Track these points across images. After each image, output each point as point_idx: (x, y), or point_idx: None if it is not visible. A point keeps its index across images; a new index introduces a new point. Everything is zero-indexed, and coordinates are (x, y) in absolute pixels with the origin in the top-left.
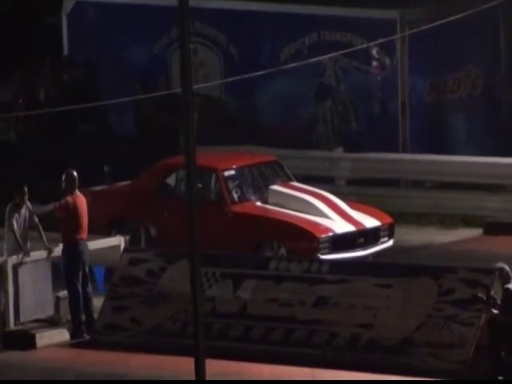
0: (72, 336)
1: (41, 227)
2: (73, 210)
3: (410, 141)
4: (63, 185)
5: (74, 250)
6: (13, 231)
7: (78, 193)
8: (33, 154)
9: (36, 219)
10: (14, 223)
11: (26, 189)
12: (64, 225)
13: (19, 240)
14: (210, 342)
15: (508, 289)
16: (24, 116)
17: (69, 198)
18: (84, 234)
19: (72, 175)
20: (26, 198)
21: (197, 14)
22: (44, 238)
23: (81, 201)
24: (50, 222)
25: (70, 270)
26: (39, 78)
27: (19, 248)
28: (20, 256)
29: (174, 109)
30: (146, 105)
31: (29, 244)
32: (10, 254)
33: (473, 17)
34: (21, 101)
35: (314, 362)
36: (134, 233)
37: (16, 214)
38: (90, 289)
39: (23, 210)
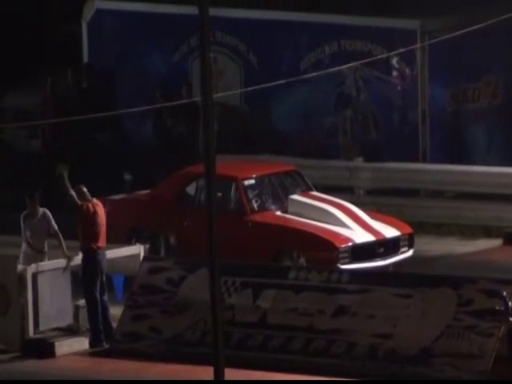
0: (91, 345)
1: (60, 235)
2: (91, 217)
3: (430, 151)
4: (76, 198)
5: (92, 259)
6: (25, 240)
7: (95, 201)
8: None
9: (55, 227)
10: (27, 232)
11: (37, 196)
12: (82, 233)
13: (32, 249)
14: (229, 352)
15: None
16: (51, 125)
17: (89, 204)
18: (102, 243)
19: (81, 190)
20: (38, 205)
21: (217, 22)
22: (64, 246)
23: (99, 209)
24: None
25: (88, 279)
26: (61, 86)
27: (33, 257)
28: (36, 265)
29: (194, 118)
30: (166, 113)
31: (46, 252)
32: (23, 264)
33: (493, 26)
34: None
35: (333, 372)
36: (153, 241)
37: (28, 223)
38: (106, 297)
39: (37, 219)
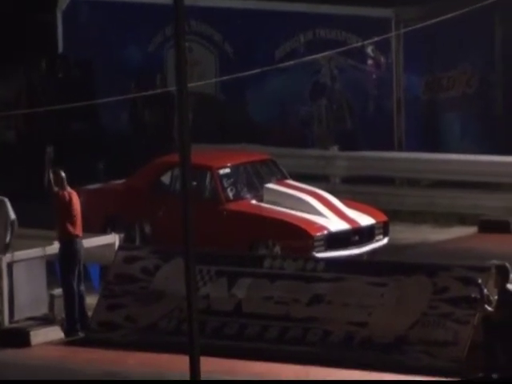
0: (66, 334)
1: (15, 228)
2: (68, 206)
3: (405, 139)
4: (53, 184)
5: (69, 248)
6: None
7: (69, 189)
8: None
9: (12, 217)
10: None
11: None
12: (59, 222)
13: None
14: (204, 340)
15: (506, 288)
16: (25, 115)
17: (65, 192)
18: (79, 232)
19: (59, 175)
20: None
21: (192, 12)
22: (11, 239)
23: (74, 198)
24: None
25: (65, 268)
26: (36, 76)
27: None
28: (11, 254)
29: (169, 107)
30: (141, 103)
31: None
32: None
33: (468, 15)
34: (23, 100)
35: (309, 360)
36: (128, 231)
37: None
38: (83, 287)
39: None
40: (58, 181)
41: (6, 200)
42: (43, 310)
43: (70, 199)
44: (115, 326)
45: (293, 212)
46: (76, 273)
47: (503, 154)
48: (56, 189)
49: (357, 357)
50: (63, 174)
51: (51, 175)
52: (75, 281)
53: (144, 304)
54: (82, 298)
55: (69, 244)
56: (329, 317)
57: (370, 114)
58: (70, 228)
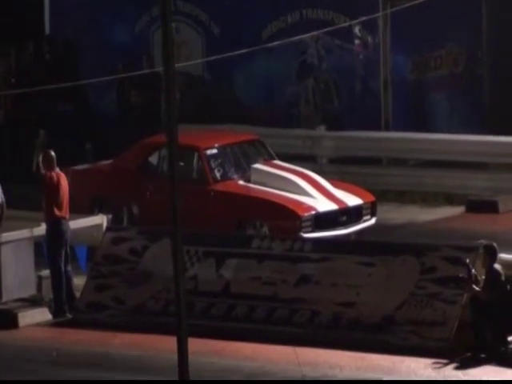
0: (54, 315)
1: (4, 211)
2: (55, 187)
3: (393, 119)
4: (41, 165)
5: (56, 229)
6: None
7: (58, 171)
8: (18, 134)
9: (1, 198)
10: None
11: None
12: (46, 203)
13: None
14: (192, 321)
15: (494, 268)
16: (13, 95)
17: (52, 174)
18: (66, 213)
19: (49, 155)
20: None
21: None
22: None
23: (62, 179)
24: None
25: (52, 250)
26: (24, 57)
27: None
28: None
29: (156, 87)
30: (128, 84)
31: None
32: None
33: None
34: (13, 80)
35: (297, 341)
36: (116, 212)
37: None
38: (70, 268)
39: None
40: (48, 161)
41: None
42: (31, 291)
43: (58, 180)
44: (103, 307)
45: (280, 192)
46: (63, 254)
47: (491, 134)
48: (43, 171)
49: (344, 337)
50: (53, 154)
51: (40, 158)
52: (62, 262)
53: (132, 285)
54: (69, 279)
55: (55, 225)
56: (316, 297)
57: (357, 94)
58: (57, 210)
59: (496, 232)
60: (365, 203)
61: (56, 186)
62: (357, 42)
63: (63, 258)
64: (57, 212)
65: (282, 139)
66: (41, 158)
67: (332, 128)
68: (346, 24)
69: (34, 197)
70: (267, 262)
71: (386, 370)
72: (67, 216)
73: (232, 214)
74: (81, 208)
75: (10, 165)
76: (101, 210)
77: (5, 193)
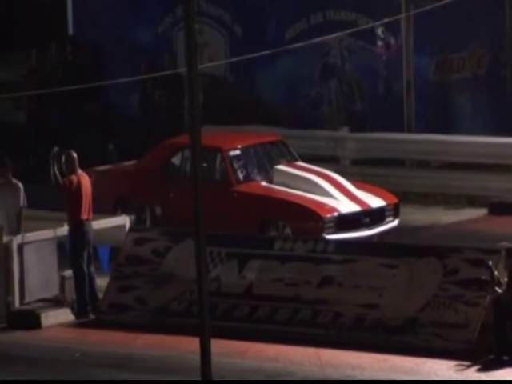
0: (77, 316)
1: (22, 216)
2: (76, 190)
3: (415, 120)
4: (64, 166)
5: (78, 231)
6: None
7: (80, 172)
8: (40, 135)
9: (23, 203)
10: None
11: (8, 164)
12: (68, 205)
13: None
14: (215, 322)
15: None
16: (36, 96)
17: (73, 177)
18: (88, 215)
19: (71, 156)
20: (10, 175)
21: None
22: (21, 228)
23: (84, 181)
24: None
25: (75, 251)
26: (48, 58)
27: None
28: (22, 236)
29: (179, 88)
30: (151, 85)
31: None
32: None
33: None
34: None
35: (319, 342)
36: (139, 212)
37: None
38: (93, 268)
39: (8, 190)
40: (70, 162)
41: (21, 185)
42: (54, 291)
43: (79, 183)
44: (126, 308)
45: (303, 194)
46: (85, 255)
47: None
48: (61, 180)
49: (367, 339)
50: (75, 155)
51: (56, 171)
52: (85, 263)
53: (154, 286)
54: (92, 280)
55: (77, 227)
56: (339, 299)
57: (380, 96)
58: (79, 212)
59: None
60: (388, 205)
61: (77, 190)
62: (380, 43)
63: (86, 259)
64: (79, 214)
65: (304, 140)
66: (63, 159)
67: (355, 129)
68: (369, 25)
69: (57, 197)
70: (290, 263)
71: (409, 371)
72: (90, 217)
73: (255, 215)
74: (104, 209)
75: (33, 165)
76: (124, 210)
77: (28, 193)
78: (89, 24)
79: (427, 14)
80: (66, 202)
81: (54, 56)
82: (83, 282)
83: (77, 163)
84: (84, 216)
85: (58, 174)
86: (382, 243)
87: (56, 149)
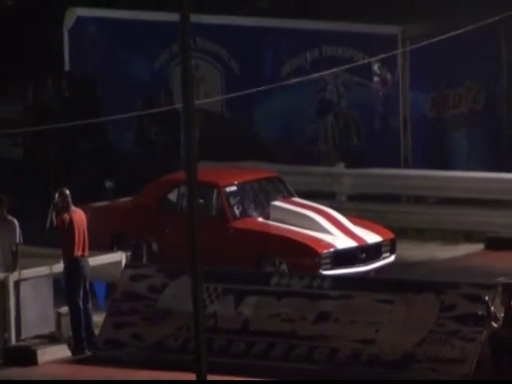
0: (73, 352)
1: (18, 253)
2: (70, 227)
3: (412, 156)
4: (58, 203)
5: (74, 267)
6: None
7: (74, 209)
8: (36, 171)
9: (19, 240)
10: None
11: (4, 201)
12: (62, 242)
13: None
14: (211, 358)
15: None
16: (32, 132)
17: (65, 215)
18: (83, 251)
19: (64, 193)
20: (5, 211)
21: (198, 29)
22: (16, 265)
23: (78, 217)
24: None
25: (70, 287)
26: (43, 94)
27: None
28: (18, 272)
29: (175, 124)
30: (147, 121)
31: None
32: None
33: (474, 32)
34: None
35: (315, 378)
36: (135, 249)
37: None
38: (90, 305)
39: (3, 227)
40: (63, 199)
41: (16, 222)
42: (50, 328)
43: (72, 220)
44: (122, 344)
45: (299, 229)
46: (81, 291)
47: (510, 171)
48: (55, 221)
49: (364, 374)
50: (68, 192)
51: (54, 218)
52: (81, 299)
53: (151, 322)
54: (88, 317)
55: (73, 264)
56: (335, 334)
57: (377, 132)
58: (74, 249)
59: None
60: (384, 240)
61: (69, 227)
62: (376, 79)
63: (82, 295)
64: (72, 251)
65: (301, 176)
66: (56, 196)
67: (351, 165)
68: (366, 61)
69: (52, 232)
70: (286, 299)
71: None
72: (86, 253)
73: (251, 251)
74: (100, 245)
75: (28, 201)
76: (120, 247)
77: (23, 230)
78: (85, 59)
79: (423, 50)
80: (61, 239)
81: (51, 91)
82: (79, 319)
83: (70, 200)
84: (78, 252)
85: (54, 220)
86: (379, 279)
87: (58, 199)
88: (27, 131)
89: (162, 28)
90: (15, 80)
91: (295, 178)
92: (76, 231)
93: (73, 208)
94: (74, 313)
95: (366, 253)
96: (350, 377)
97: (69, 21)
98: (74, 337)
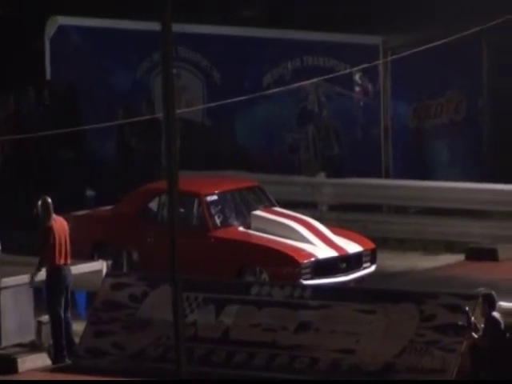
0: (54, 361)
1: None
2: (52, 236)
3: (393, 166)
4: (40, 212)
5: (56, 276)
6: None
7: (56, 217)
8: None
9: None
10: None
11: None
12: (45, 250)
13: None
14: (192, 368)
15: (493, 316)
16: (13, 141)
17: (47, 224)
18: (66, 259)
19: (46, 202)
20: None
21: (180, 38)
22: None
23: (60, 225)
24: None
25: (52, 296)
26: (24, 103)
27: None
28: None
29: (156, 133)
30: (128, 130)
31: None
32: None
33: (455, 42)
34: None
35: None
36: (116, 257)
37: None
38: (69, 314)
39: None
40: (45, 207)
41: None
42: (30, 336)
43: (54, 227)
44: (102, 353)
45: (280, 239)
46: (63, 301)
47: (491, 182)
48: (47, 220)
49: None
50: (49, 200)
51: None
52: (62, 308)
53: (131, 331)
54: (68, 325)
55: (55, 272)
56: (316, 344)
57: (358, 141)
58: (56, 257)
59: (495, 280)
60: (365, 250)
61: (54, 235)
62: (357, 89)
63: (63, 304)
64: (54, 260)
65: (282, 186)
66: (39, 204)
67: (332, 175)
68: (347, 71)
69: (32, 241)
70: (267, 308)
71: None
72: (68, 261)
73: (232, 260)
74: (81, 254)
75: (8, 210)
76: (101, 255)
77: (2, 239)
78: (67, 68)
79: (405, 61)
80: (43, 248)
81: (32, 100)
82: (60, 327)
83: (51, 208)
84: (61, 261)
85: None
86: (359, 289)
87: (40, 207)
88: (5, 139)
89: (143, 37)
90: None
91: (276, 188)
92: (57, 240)
93: (54, 216)
94: (55, 321)
95: (347, 263)
96: None
97: (50, 29)
98: (54, 345)
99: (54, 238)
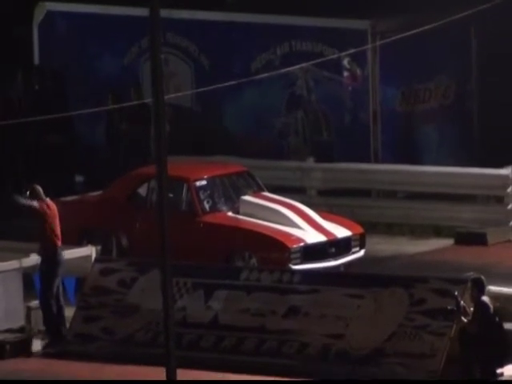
0: (51, 344)
1: None
2: (49, 218)
3: (382, 151)
4: (31, 203)
5: (53, 259)
6: None
7: (48, 201)
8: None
9: None
10: None
11: None
12: (43, 232)
13: None
14: (181, 353)
15: (482, 300)
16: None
17: (45, 203)
18: (60, 243)
19: (36, 189)
20: None
21: (168, 24)
22: None
23: (54, 209)
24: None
25: (46, 280)
26: (13, 88)
27: None
28: None
29: (145, 119)
30: (117, 115)
31: None
32: None
33: (444, 27)
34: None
35: (285, 372)
36: (105, 243)
37: None
38: (62, 298)
39: None
40: (36, 194)
41: None
42: (20, 322)
43: (51, 209)
44: (92, 338)
45: (269, 224)
46: (57, 284)
47: (480, 166)
48: (35, 202)
49: (333, 369)
50: (39, 188)
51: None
52: (54, 293)
53: (121, 316)
54: (61, 309)
55: (52, 255)
56: (305, 329)
57: (346, 126)
58: (54, 238)
59: (484, 264)
60: (354, 235)
61: (50, 216)
62: (346, 73)
63: (58, 288)
64: (54, 242)
65: (271, 171)
66: (28, 193)
67: (321, 160)
68: (335, 56)
69: (20, 226)
70: (256, 293)
71: None
72: (61, 245)
73: (221, 245)
74: (70, 239)
75: None
76: (90, 241)
77: None
78: (55, 54)
79: (393, 45)
80: (42, 228)
81: (20, 86)
82: (51, 312)
83: (42, 194)
84: (58, 244)
85: (24, 201)
86: (348, 273)
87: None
88: None
89: (131, 22)
90: None
91: (265, 173)
92: (55, 223)
93: (48, 200)
94: (47, 306)
95: (336, 247)
96: (320, 371)
97: (38, 15)
98: (48, 330)
99: (51, 222)
